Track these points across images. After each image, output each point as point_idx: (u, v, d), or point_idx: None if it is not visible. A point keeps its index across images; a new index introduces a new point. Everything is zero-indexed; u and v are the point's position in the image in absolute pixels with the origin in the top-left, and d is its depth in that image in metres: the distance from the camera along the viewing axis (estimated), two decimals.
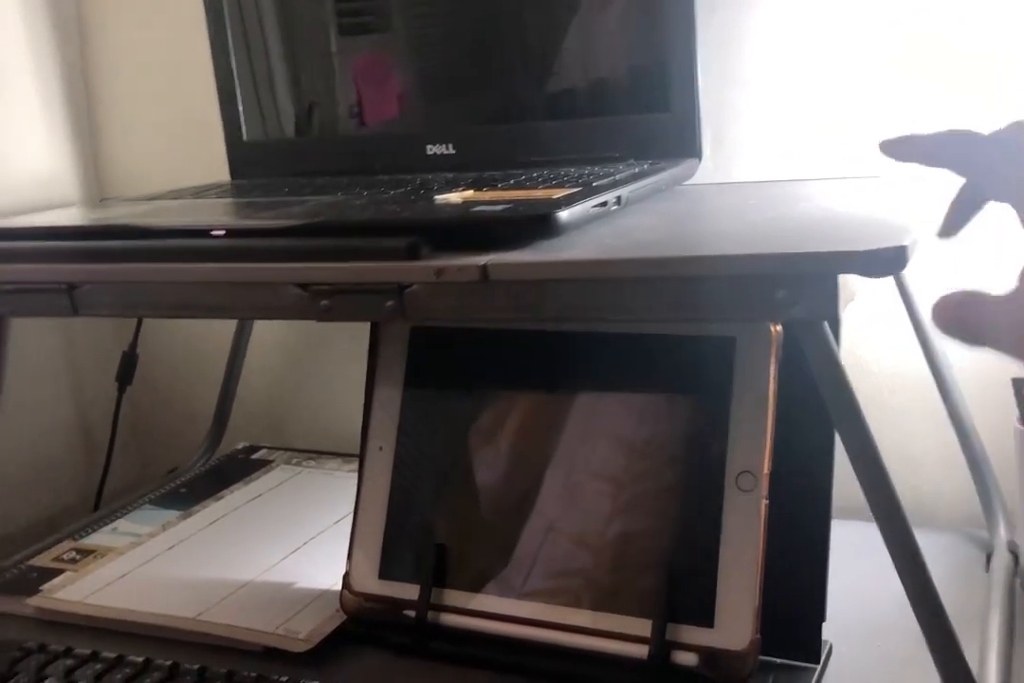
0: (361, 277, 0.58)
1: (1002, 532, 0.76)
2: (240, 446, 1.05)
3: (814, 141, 0.82)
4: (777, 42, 0.82)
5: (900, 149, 0.51)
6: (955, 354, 0.75)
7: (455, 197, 0.66)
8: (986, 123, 0.72)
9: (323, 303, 0.59)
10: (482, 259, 0.55)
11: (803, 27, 0.81)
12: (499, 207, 0.61)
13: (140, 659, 0.65)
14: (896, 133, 0.51)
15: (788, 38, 0.82)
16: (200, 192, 0.84)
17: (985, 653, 0.63)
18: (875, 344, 0.83)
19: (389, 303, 0.58)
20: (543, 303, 0.56)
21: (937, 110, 0.78)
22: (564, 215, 0.58)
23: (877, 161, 0.77)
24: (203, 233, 0.63)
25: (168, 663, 0.64)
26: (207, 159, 0.97)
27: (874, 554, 0.69)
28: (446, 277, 0.55)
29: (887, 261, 0.49)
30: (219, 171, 0.94)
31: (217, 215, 0.75)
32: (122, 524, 0.88)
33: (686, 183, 0.78)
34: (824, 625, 0.63)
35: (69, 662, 0.65)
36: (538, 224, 0.58)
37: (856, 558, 0.67)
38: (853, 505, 0.66)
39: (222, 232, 0.63)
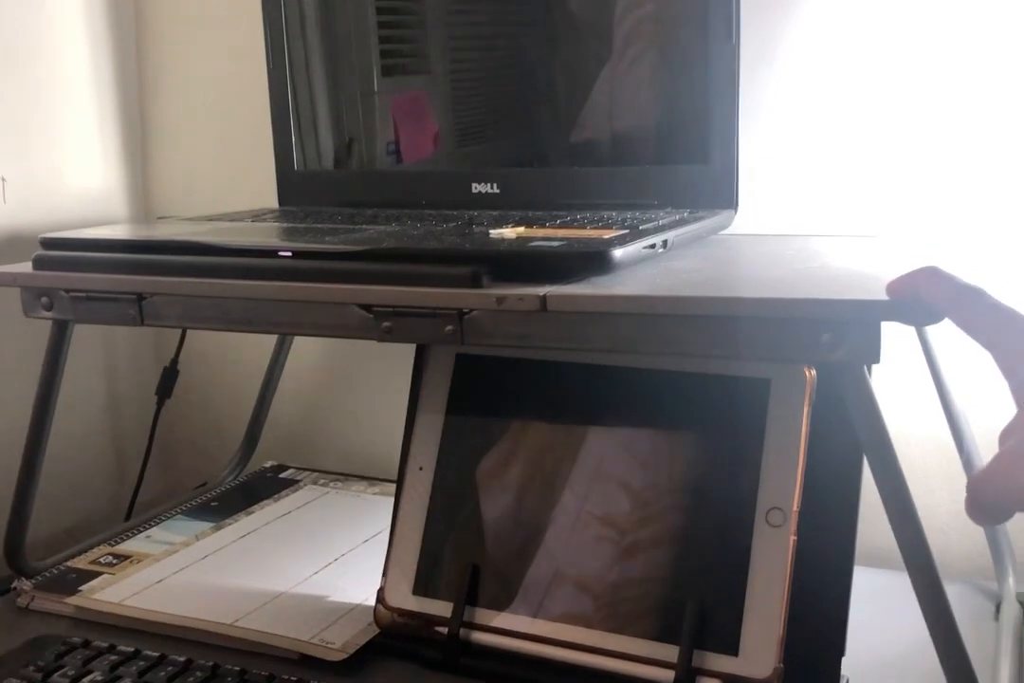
0: (424, 301, 0.61)
1: (1011, 583, 0.78)
2: (268, 465, 1.07)
3: (840, 196, 0.86)
4: (807, 100, 0.86)
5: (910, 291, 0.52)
6: (974, 412, 0.77)
7: (509, 232, 0.70)
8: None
9: (385, 324, 0.62)
10: (541, 290, 0.58)
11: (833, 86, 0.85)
12: (556, 243, 0.64)
13: (182, 659, 0.67)
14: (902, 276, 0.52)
15: (819, 97, 0.86)
16: (257, 216, 0.87)
17: None
18: (893, 399, 0.85)
19: (449, 327, 0.61)
20: (597, 334, 0.59)
21: (965, 160, 0.81)
22: (618, 253, 0.61)
23: (899, 218, 0.83)
24: (272, 253, 0.66)
25: (210, 664, 0.66)
26: (252, 185, 1.01)
27: (887, 600, 0.72)
28: (506, 305, 0.59)
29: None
30: (263, 197, 0.97)
31: (280, 237, 0.78)
32: (156, 532, 0.90)
33: (721, 233, 0.81)
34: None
35: (113, 658, 0.67)
36: (594, 261, 0.61)
37: (868, 601, 0.69)
38: (865, 552, 0.69)
39: (289, 253, 0.66)
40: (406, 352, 0.76)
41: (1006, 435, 0.48)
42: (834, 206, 0.86)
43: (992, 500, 0.47)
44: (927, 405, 0.81)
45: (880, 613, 0.72)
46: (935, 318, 0.52)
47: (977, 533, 0.80)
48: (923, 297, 0.51)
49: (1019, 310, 0.48)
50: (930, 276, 0.51)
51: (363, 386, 1.07)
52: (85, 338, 1.00)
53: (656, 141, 0.84)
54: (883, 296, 0.53)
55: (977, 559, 0.83)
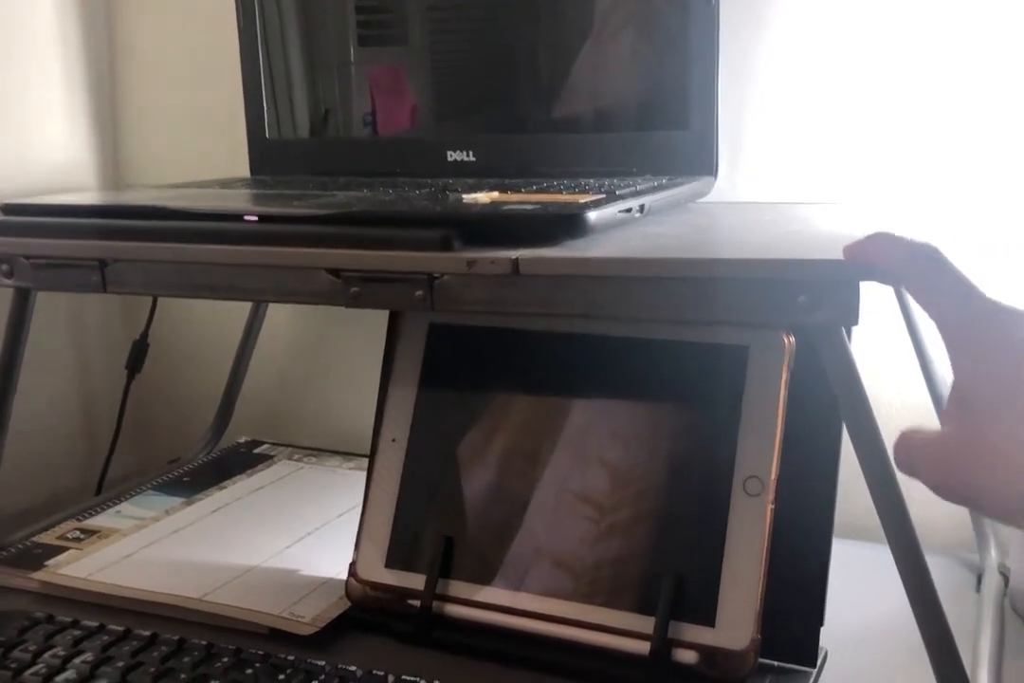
0: (393, 265, 0.59)
1: (993, 554, 0.77)
2: (242, 440, 1.05)
3: (824, 164, 0.84)
4: (792, 69, 0.84)
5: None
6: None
7: (483, 197, 0.68)
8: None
9: (353, 290, 0.61)
10: (514, 253, 0.57)
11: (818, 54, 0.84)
12: (529, 206, 0.62)
13: (147, 633, 0.66)
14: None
15: (803, 65, 0.84)
16: (226, 184, 0.85)
17: (976, 669, 0.64)
18: (874, 369, 0.84)
19: (418, 293, 0.59)
20: (571, 299, 0.57)
21: (947, 129, 0.80)
22: (593, 216, 0.60)
23: (883, 186, 0.81)
24: (238, 218, 0.65)
25: (176, 638, 0.65)
26: (223, 154, 0.99)
27: (865, 572, 0.72)
28: (478, 269, 0.57)
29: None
30: (235, 166, 0.95)
31: (249, 203, 0.77)
32: (125, 508, 0.88)
33: (699, 201, 0.79)
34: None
35: (77, 633, 0.66)
36: (568, 224, 0.60)
37: (847, 574, 0.68)
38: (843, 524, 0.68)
39: (255, 218, 0.64)
40: (380, 325, 0.75)
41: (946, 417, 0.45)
42: (821, 175, 0.84)
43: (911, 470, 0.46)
44: (906, 373, 0.80)
45: (859, 585, 0.71)
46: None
47: (958, 507, 0.79)
48: (876, 263, 0.49)
49: (972, 281, 0.45)
50: (882, 242, 0.49)
51: (338, 361, 1.05)
52: (52, 310, 0.98)
53: (634, 107, 0.83)
54: None
55: (958, 531, 0.82)
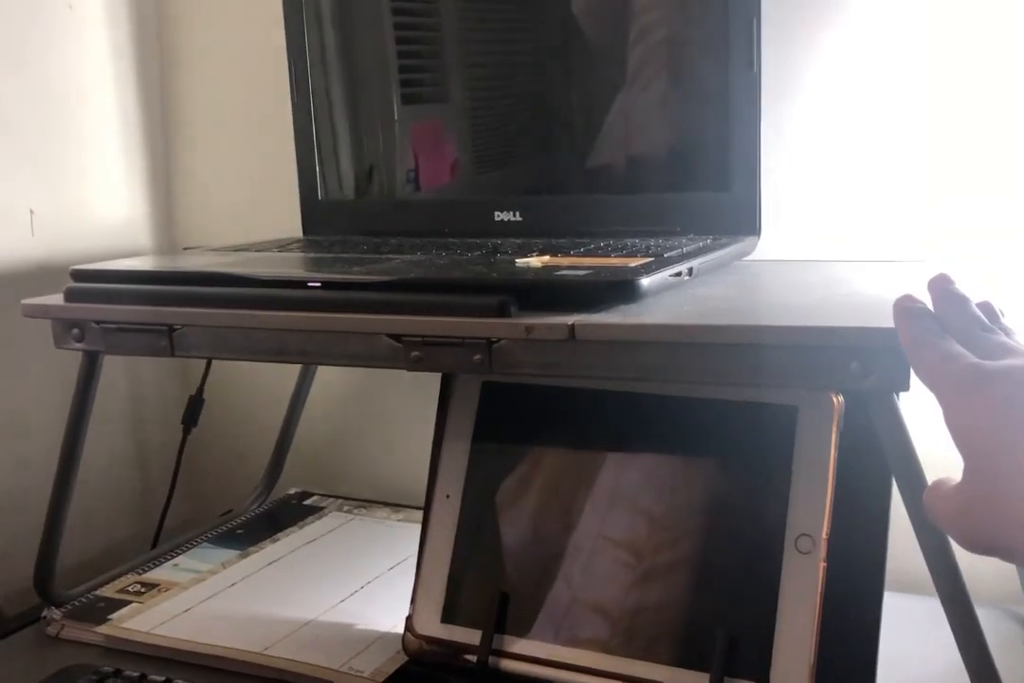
0: (452, 331, 0.62)
1: None
2: (292, 491, 1.08)
3: (863, 222, 0.86)
4: (831, 131, 0.87)
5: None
6: None
7: (535, 261, 0.70)
8: None
9: (414, 354, 0.63)
10: (570, 319, 0.59)
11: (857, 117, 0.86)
12: (583, 272, 0.64)
13: None
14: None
15: (842, 127, 0.86)
16: (283, 246, 0.88)
17: None
18: (919, 425, 0.85)
19: (477, 356, 0.61)
20: (625, 363, 0.59)
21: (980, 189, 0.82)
22: (645, 282, 0.62)
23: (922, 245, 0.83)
24: (301, 284, 0.67)
25: None
26: (275, 214, 1.02)
27: (914, 624, 0.72)
28: (535, 334, 0.59)
29: None
30: (286, 226, 0.97)
31: (308, 268, 0.79)
32: (183, 561, 0.90)
33: (744, 259, 0.81)
34: None
35: None
36: (621, 290, 0.62)
37: (897, 627, 0.69)
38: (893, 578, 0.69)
39: (318, 284, 0.67)
40: (431, 378, 0.76)
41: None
42: (859, 232, 0.86)
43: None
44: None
45: (910, 638, 0.72)
46: None
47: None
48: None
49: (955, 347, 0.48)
50: (898, 314, 0.51)
51: (386, 412, 1.07)
52: (111, 367, 1.00)
53: (678, 168, 0.85)
54: None
55: (1007, 584, 0.82)
